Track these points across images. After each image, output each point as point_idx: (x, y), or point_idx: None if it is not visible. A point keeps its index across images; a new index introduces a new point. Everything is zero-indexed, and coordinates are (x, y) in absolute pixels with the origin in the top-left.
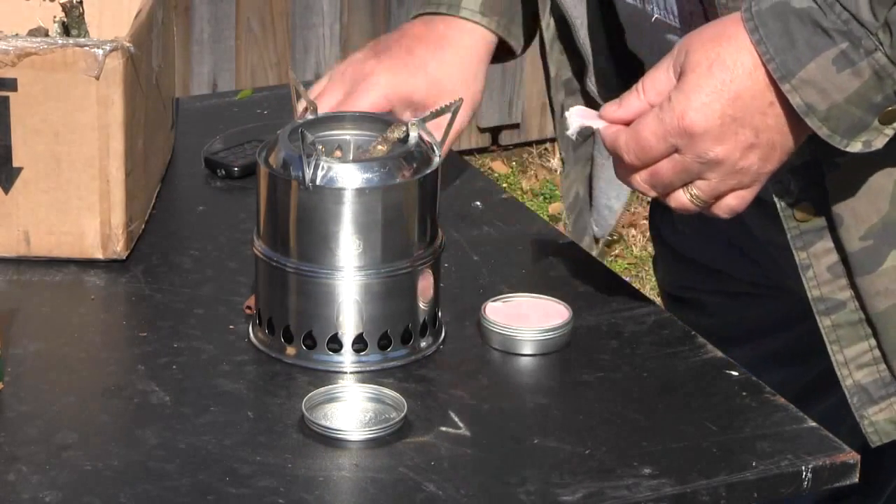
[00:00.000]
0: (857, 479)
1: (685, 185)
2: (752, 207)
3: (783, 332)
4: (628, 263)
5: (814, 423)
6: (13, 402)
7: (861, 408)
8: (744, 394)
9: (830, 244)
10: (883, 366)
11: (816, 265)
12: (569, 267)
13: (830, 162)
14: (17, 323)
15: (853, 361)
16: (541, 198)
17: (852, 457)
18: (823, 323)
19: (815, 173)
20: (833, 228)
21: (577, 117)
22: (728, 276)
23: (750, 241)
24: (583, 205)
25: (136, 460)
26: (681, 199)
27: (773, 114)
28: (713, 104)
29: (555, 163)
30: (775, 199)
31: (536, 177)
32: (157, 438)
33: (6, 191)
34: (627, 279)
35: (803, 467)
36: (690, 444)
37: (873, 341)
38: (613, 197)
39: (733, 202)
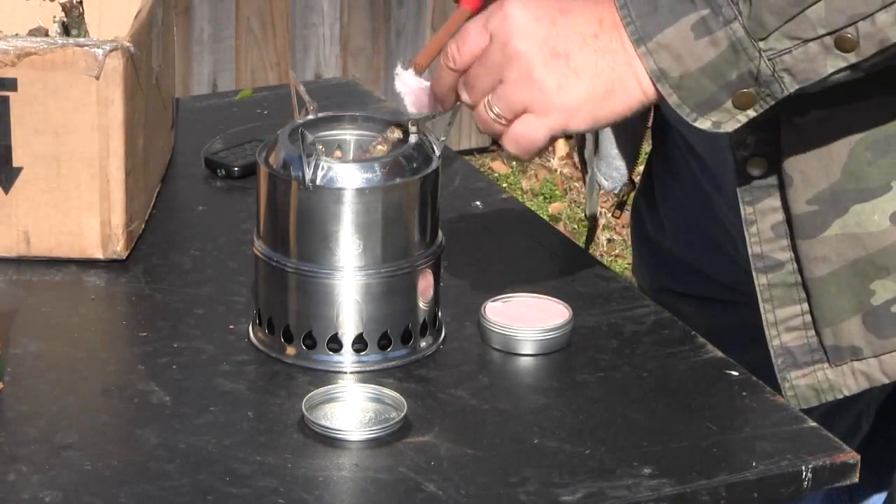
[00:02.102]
0: (857, 479)
1: (489, 94)
2: (727, 208)
3: (756, 344)
4: (628, 263)
5: (814, 423)
6: (13, 402)
7: (784, 370)
8: (744, 394)
9: (777, 203)
10: (812, 332)
11: (761, 222)
12: (569, 267)
13: (788, 121)
14: (17, 323)
15: (783, 323)
16: (541, 198)
17: (852, 457)
18: (759, 280)
19: (774, 130)
20: (782, 188)
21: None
22: (708, 277)
23: (733, 243)
24: (590, 157)
25: (136, 460)
26: (482, 113)
27: (597, 47)
28: (540, 8)
29: (555, 163)
30: (731, 149)
31: (536, 177)
32: (157, 438)
33: (6, 191)
34: (627, 279)
35: (803, 467)
36: (690, 444)
37: (806, 306)
38: (619, 145)
39: (521, 128)
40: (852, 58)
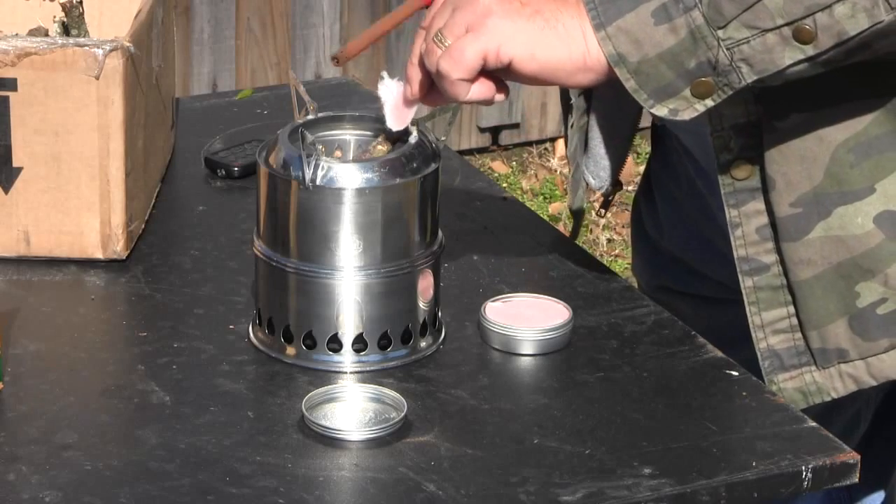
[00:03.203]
0: (857, 479)
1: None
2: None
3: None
4: (628, 263)
5: (814, 423)
6: (13, 402)
7: (772, 373)
8: (744, 394)
9: (762, 206)
10: (799, 334)
11: (746, 225)
12: (569, 267)
13: (770, 125)
14: (17, 323)
15: (770, 326)
16: (541, 198)
17: (852, 457)
18: (745, 283)
19: (757, 134)
20: (766, 191)
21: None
22: (705, 276)
23: (728, 243)
24: (579, 155)
25: (136, 460)
26: (432, 48)
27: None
28: None
29: (555, 162)
30: (715, 153)
31: (536, 177)
32: (157, 438)
33: (6, 191)
34: (627, 279)
35: (803, 467)
36: (690, 444)
37: (792, 309)
38: (608, 145)
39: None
40: (810, 50)
